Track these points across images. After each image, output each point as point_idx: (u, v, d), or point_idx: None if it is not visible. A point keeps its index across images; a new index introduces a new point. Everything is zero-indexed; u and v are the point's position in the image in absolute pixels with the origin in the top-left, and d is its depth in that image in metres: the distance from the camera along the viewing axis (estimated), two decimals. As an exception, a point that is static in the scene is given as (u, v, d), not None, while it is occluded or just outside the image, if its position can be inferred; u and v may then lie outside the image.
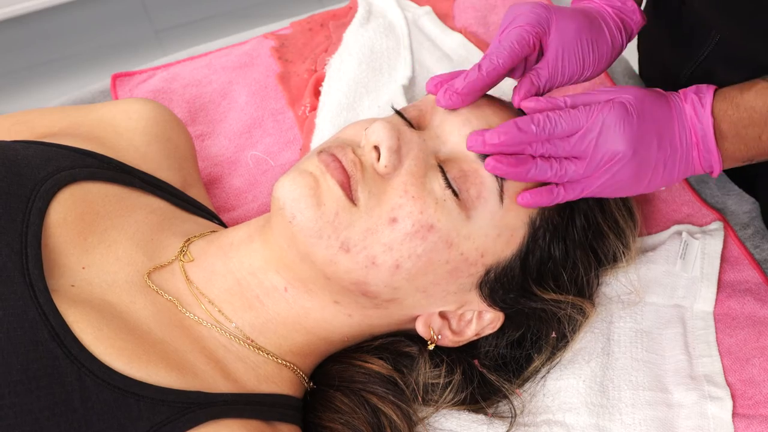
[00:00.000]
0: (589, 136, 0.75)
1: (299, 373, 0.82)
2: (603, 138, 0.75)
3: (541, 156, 0.76)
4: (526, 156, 0.76)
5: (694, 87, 0.80)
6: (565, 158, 0.76)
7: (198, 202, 0.94)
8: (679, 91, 0.80)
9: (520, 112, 0.82)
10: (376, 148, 0.76)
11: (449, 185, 0.76)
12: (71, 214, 0.78)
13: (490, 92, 0.86)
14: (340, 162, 0.75)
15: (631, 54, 1.24)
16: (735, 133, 0.78)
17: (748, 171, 1.07)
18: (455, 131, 0.78)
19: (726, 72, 0.78)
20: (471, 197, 0.76)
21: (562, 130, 0.75)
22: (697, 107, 0.78)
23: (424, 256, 0.75)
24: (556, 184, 0.77)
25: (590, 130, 0.75)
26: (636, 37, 1.20)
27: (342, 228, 0.74)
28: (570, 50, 0.80)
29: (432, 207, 0.75)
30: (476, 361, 0.86)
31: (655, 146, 0.76)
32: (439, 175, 0.76)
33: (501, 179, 0.77)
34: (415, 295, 0.78)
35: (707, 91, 0.79)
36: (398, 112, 0.81)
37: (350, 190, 0.75)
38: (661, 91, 0.80)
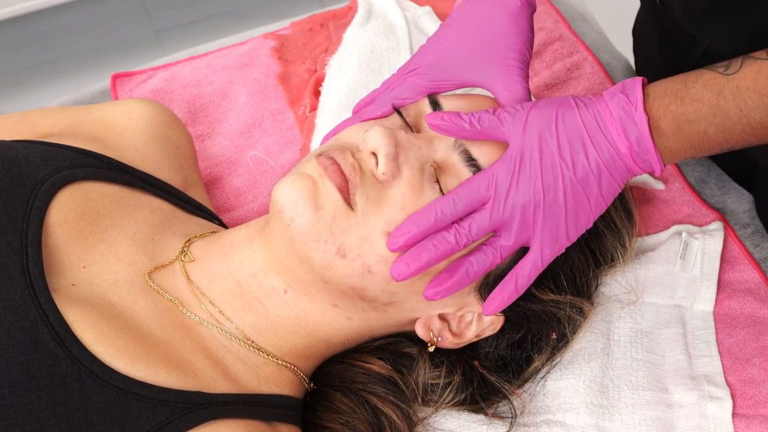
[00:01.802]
0: (497, 203, 0.72)
1: (299, 373, 0.82)
2: (510, 199, 0.72)
3: (466, 246, 0.73)
4: (455, 261, 0.73)
5: (620, 84, 0.74)
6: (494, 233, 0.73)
7: (198, 203, 0.94)
8: (603, 92, 0.74)
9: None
10: (374, 154, 0.76)
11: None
12: (71, 214, 0.79)
13: (479, 91, 0.87)
14: (339, 166, 0.75)
15: (631, 53, 1.24)
16: (678, 128, 0.72)
17: (743, 169, 1.07)
18: (445, 140, 0.78)
19: None
20: None
21: (464, 208, 0.72)
22: (626, 107, 0.72)
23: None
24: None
25: (497, 196, 0.72)
26: (632, 37, 1.20)
27: (339, 233, 0.74)
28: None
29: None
30: (476, 362, 0.86)
31: (569, 172, 0.72)
32: (436, 187, 0.76)
33: None
34: (413, 298, 0.78)
35: (634, 86, 0.73)
36: (399, 112, 0.81)
37: (348, 194, 0.75)
38: (572, 100, 0.74)
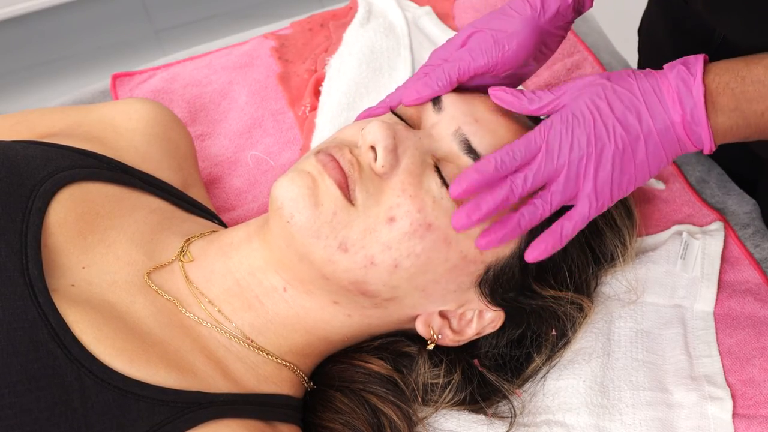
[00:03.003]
0: (550, 154, 0.73)
1: (299, 373, 0.82)
2: (563, 150, 0.72)
3: (521, 199, 0.73)
4: (507, 214, 0.74)
5: (681, 59, 0.75)
6: (543, 189, 0.74)
7: (198, 202, 0.94)
8: (663, 66, 0.76)
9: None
10: (373, 148, 0.76)
11: (445, 183, 0.76)
12: (71, 214, 0.79)
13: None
14: (337, 162, 0.76)
15: (631, 53, 1.24)
16: (735, 106, 0.73)
17: (749, 173, 1.07)
18: (446, 130, 0.78)
19: None
20: None
21: (522, 158, 0.73)
22: (685, 77, 0.73)
23: (423, 255, 0.75)
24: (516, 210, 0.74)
25: (550, 148, 0.73)
26: (637, 38, 1.20)
27: (340, 228, 0.74)
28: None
29: (430, 205, 0.75)
30: (476, 361, 0.86)
31: (621, 132, 0.72)
32: (435, 174, 0.76)
33: None
34: (414, 294, 0.78)
35: (696, 61, 0.74)
36: (394, 112, 0.81)
37: (348, 190, 0.75)
38: (630, 71, 0.76)
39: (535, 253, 0.75)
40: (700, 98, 0.72)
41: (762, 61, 0.74)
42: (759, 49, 0.75)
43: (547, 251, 0.75)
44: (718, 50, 0.94)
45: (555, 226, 0.74)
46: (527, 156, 0.73)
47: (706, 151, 0.74)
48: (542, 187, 0.74)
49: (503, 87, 0.76)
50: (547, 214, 0.74)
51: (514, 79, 0.85)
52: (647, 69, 0.76)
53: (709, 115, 0.73)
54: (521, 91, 0.76)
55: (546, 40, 0.83)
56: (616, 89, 0.74)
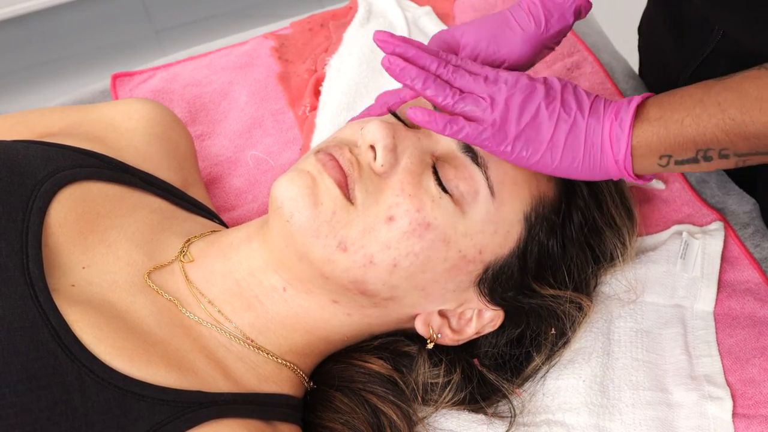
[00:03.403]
0: (498, 80, 0.73)
1: (299, 372, 0.82)
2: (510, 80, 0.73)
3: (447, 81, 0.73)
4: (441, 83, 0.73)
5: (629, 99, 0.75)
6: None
7: (198, 202, 0.94)
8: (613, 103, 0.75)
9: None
10: (372, 147, 0.76)
11: (443, 187, 0.76)
12: (71, 214, 0.79)
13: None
14: (337, 161, 0.76)
15: (631, 53, 1.24)
16: (660, 115, 0.73)
17: (749, 171, 1.07)
18: None
19: (729, 70, 0.77)
20: (463, 193, 0.77)
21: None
22: (622, 108, 0.73)
23: (422, 254, 0.75)
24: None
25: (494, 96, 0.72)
26: (637, 37, 1.20)
27: (339, 227, 0.74)
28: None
29: (428, 205, 0.75)
30: (475, 361, 0.86)
31: (558, 109, 0.73)
32: (434, 174, 0.76)
33: (485, 171, 0.77)
34: (413, 293, 0.78)
35: (631, 101, 0.74)
36: (393, 113, 0.82)
37: (347, 189, 0.75)
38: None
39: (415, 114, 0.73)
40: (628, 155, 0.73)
41: (698, 81, 0.74)
42: (759, 45, 0.75)
43: (425, 121, 0.72)
44: (717, 47, 0.94)
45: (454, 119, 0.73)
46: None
47: (622, 174, 0.74)
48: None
49: (419, 108, 0.73)
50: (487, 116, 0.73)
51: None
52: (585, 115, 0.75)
53: (635, 125, 0.73)
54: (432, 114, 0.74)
55: (542, 53, 0.85)
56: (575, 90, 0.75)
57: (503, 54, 0.81)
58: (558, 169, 0.74)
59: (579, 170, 0.74)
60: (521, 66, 0.83)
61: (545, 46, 0.84)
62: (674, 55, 1.05)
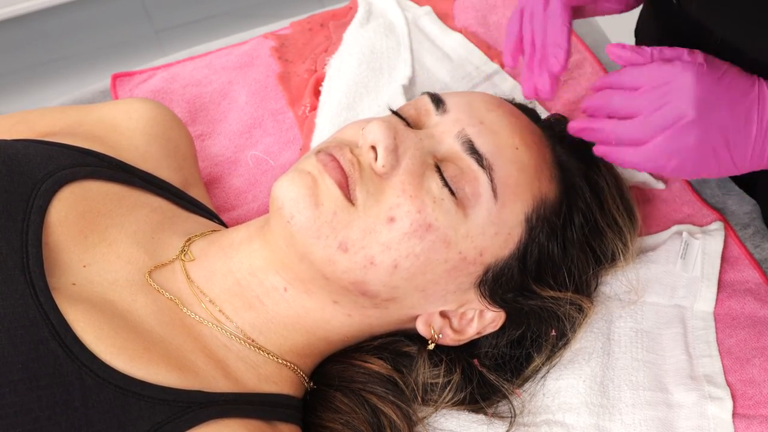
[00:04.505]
0: (650, 92, 0.74)
1: (299, 372, 0.82)
2: (667, 96, 0.74)
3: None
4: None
5: None
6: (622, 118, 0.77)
7: (198, 202, 0.94)
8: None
9: (513, 106, 0.85)
10: (373, 147, 0.76)
11: (446, 184, 0.76)
12: (72, 213, 0.79)
13: (484, 91, 0.87)
14: (338, 162, 0.76)
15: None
16: None
17: (748, 174, 1.07)
18: (449, 132, 0.78)
19: None
20: (467, 195, 0.77)
21: (621, 84, 0.76)
22: None
23: (423, 256, 0.75)
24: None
25: (653, 86, 0.74)
26: (634, 37, 1.20)
27: (340, 228, 0.74)
28: None
29: (430, 206, 0.75)
30: (476, 361, 0.86)
31: (726, 117, 0.74)
32: (436, 175, 0.76)
33: (490, 173, 0.77)
34: (414, 294, 0.78)
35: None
36: (395, 112, 0.81)
37: (348, 190, 0.75)
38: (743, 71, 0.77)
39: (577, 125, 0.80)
40: None
41: None
42: (756, 51, 0.75)
43: (583, 132, 0.80)
44: (717, 53, 0.94)
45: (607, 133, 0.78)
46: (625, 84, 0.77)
47: None
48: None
49: (620, 45, 0.78)
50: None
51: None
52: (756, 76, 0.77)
53: None
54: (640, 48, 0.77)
55: None
56: (740, 77, 0.75)
57: None
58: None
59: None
60: None
61: None
62: None
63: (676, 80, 0.74)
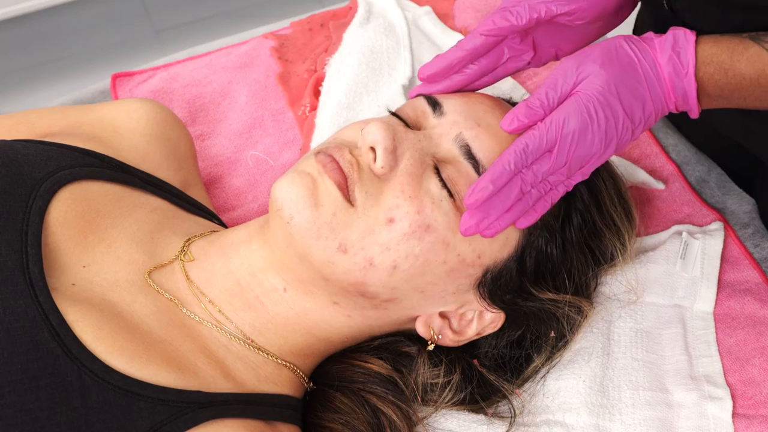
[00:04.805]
0: (561, 153, 0.74)
1: (299, 373, 0.82)
2: (575, 148, 0.74)
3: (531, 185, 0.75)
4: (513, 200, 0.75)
5: (671, 37, 0.77)
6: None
7: (198, 202, 0.94)
8: (654, 38, 0.78)
9: (511, 106, 0.85)
10: (373, 149, 0.76)
11: (445, 185, 0.76)
12: (71, 213, 0.79)
13: (484, 90, 0.87)
14: (337, 163, 0.76)
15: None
16: (719, 94, 0.78)
17: (747, 171, 1.07)
18: (446, 135, 0.78)
19: None
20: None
21: (535, 157, 0.74)
22: (677, 66, 0.77)
23: (422, 257, 0.75)
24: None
25: (562, 147, 0.73)
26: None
27: (340, 229, 0.74)
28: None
29: (429, 207, 0.75)
30: (475, 361, 0.86)
31: (628, 124, 0.76)
32: (435, 176, 0.76)
33: None
34: (413, 295, 0.78)
35: (687, 46, 0.77)
36: (394, 113, 0.81)
37: (347, 191, 0.75)
38: (628, 45, 0.77)
39: (525, 223, 0.77)
40: (692, 89, 0.76)
41: (746, 52, 0.76)
42: None
43: (535, 219, 0.77)
44: None
45: (546, 198, 0.77)
46: (539, 154, 0.74)
47: (693, 116, 0.79)
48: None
49: (512, 112, 0.75)
50: (548, 208, 0.77)
51: (579, 37, 0.85)
52: (642, 42, 0.78)
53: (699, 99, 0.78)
54: (526, 104, 0.75)
55: (624, 4, 0.84)
56: (624, 80, 0.76)
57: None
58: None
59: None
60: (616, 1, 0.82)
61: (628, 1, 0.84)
62: None
63: (573, 131, 0.73)
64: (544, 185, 0.76)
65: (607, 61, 0.76)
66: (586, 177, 0.77)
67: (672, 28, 0.78)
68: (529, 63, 0.85)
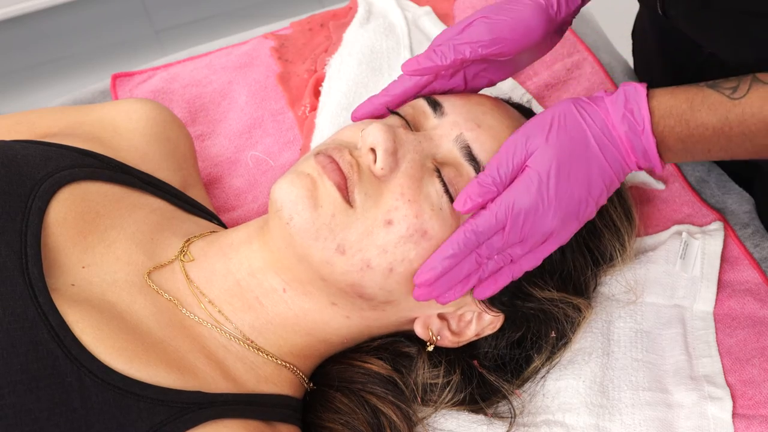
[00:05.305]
0: (514, 230, 0.73)
1: (299, 373, 0.82)
2: (529, 225, 0.73)
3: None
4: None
5: (622, 93, 0.75)
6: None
7: (198, 203, 0.94)
8: (605, 97, 0.76)
9: (510, 106, 0.85)
10: (373, 150, 0.76)
11: (447, 191, 0.76)
12: (71, 214, 0.79)
13: (484, 91, 0.87)
14: (337, 164, 0.75)
15: (630, 53, 1.24)
16: (681, 147, 0.76)
17: (746, 171, 1.07)
18: (447, 136, 0.78)
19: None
20: None
21: (488, 235, 0.73)
22: (632, 124, 0.74)
23: (416, 261, 0.75)
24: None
25: (514, 225, 0.73)
26: (631, 40, 1.20)
27: (338, 230, 0.74)
28: None
29: (428, 212, 0.75)
30: (475, 362, 0.86)
31: (583, 197, 0.74)
32: (436, 181, 0.76)
33: None
34: (409, 298, 0.78)
35: (639, 101, 0.75)
36: (395, 113, 0.81)
37: (347, 192, 0.75)
38: (578, 103, 0.76)
39: (482, 293, 0.77)
40: (651, 147, 0.74)
41: (707, 100, 0.74)
42: (747, 66, 0.75)
43: (494, 291, 0.77)
44: (706, 61, 0.94)
45: (507, 270, 0.76)
46: (491, 233, 0.73)
47: (658, 171, 0.77)
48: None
49: (465, 191, 0.74)
50: (508, 281, 0.77)
51: (511, 67, 0.84)
52: (591, 104, 0.76)
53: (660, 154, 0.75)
54: (478, 182, 0.74)
55: (551, 33, 0.83)
56: (574, 151, 0.74)
57: (515, 30, 0.79)
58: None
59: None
60: (536, 37, 0.80)
61: (554, 23, 0.82)
62: (663, 69, 1.05)
63: (524, 209, 0.72)
64: (504, 257, 0.75)
65: (555, 133, 0.74)
66: (551, 251, 0.76)
67: (622, 84, 0.76)
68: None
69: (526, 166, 0.74)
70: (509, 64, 0.84)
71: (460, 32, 0.79)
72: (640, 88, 0.75)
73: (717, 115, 0.73)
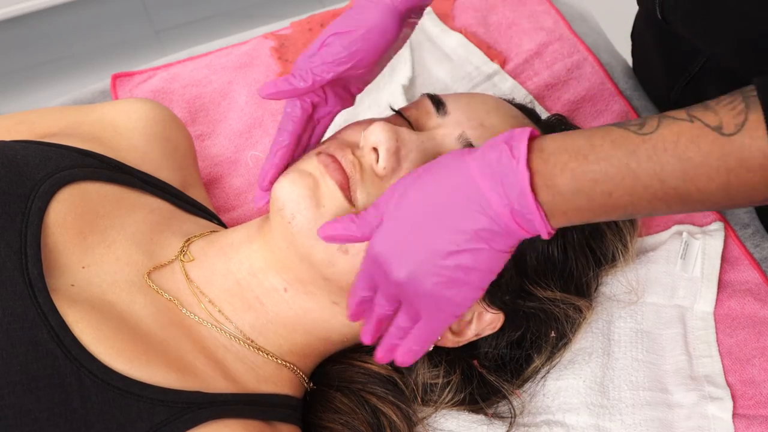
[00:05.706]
0: (383, 290, 0.68)
1: (299, 373, 0.82)
2: (392, 287, 0.67)
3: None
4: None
5: (507, 134, 0.64)
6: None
7: (198, 203, 0.94)
8: (485, 143, 0.65)
9: (513, 106, 0.84)
10: (375, 149, 0.76)
11: None
12: (71, 214, 0.78)
13: (483, 91, 0.87)
14: (339, 163, 0.75)
15: (630, 53, 1.24)
16: (577, 188, 0.62)
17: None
18: (450, 135, 0.78)
19: (720, 86, 0.70)
20: None
21: (371, 289, 0.70)
22: (507, 162, 0.63)
23: None
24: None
25: (381, 286, 0.68)
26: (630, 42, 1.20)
27: None
28: None
29: None
30: (475, 361, 0.86)
31: (444, 254, 0.64)
32: None
33: None
34: None
35: (521, 138, 0.63)
36: (398, 112, 0.81)
37: (349, 192, 0.75)
38: (438, 169, 0.67)
39: (381, 357, 0.72)
40: (525, 183, 0.62)
41: (609, 135, 0.63)
42: (745, 70, 0.70)
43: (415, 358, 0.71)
44: (706, 64, 0.94)
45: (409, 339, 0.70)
46: (372, 286, 0.70)
47: (544, 237, 0.65)
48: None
49: (328, 224, 0.70)
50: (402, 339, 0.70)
51: (377, 70, 0.82)
52: (455, 153, 0.67)
53: (542, 198, 0.63)
54: (349, 218, 0.70)
55: (404, 25, 0.79)
56: (440, 217, 0.65)
57: (369, 40, 0.75)
58: None
59: None
60: (390, 39, 0.76)
61: (404, 14, 0.77)
62: (663, 70, 1.05)
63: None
64: (399, 331, 0.70)
65: (421, 181, 0.67)
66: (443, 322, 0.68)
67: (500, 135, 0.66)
68: (330, 112, 0.81)
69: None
70: (367, 73, 0.80)
71: (314, 53, 0.76)
72: (525, 131, 0.64)
73: (622, 149, 0.62)
